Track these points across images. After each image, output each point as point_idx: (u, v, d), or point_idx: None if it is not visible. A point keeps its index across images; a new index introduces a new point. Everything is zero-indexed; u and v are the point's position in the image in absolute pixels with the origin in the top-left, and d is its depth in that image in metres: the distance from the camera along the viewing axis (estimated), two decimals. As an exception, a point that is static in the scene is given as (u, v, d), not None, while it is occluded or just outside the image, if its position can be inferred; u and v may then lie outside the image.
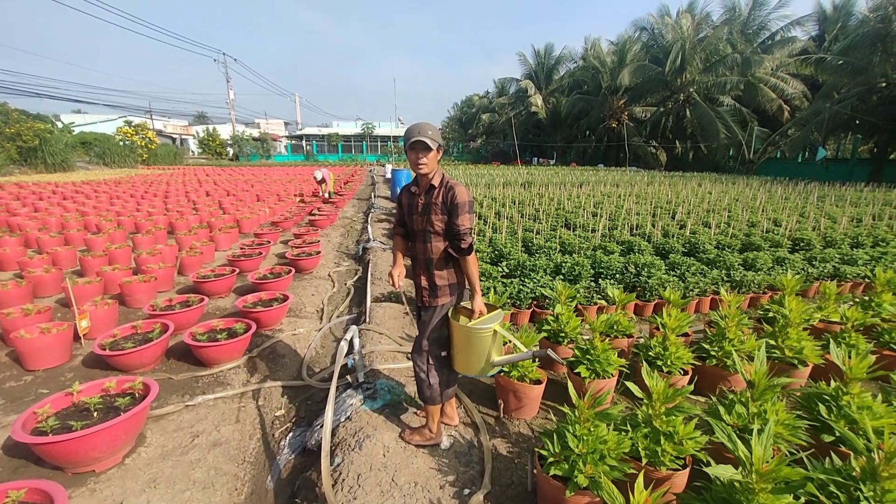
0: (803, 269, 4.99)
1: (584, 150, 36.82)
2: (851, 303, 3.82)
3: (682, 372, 2.83)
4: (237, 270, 5.16)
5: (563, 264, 4.55)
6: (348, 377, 3.08)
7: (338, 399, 2.86)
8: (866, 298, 3.70)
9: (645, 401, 2.02)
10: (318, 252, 6.28)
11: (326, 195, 13.20)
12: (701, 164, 28.34)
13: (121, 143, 32.81)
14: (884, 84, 17.25)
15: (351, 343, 2.86)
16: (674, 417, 1.94)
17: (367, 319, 4.23)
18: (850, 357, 2.25)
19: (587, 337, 3.22)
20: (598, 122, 33.83)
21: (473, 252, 2.22)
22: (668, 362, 2.80)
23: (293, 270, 5.18)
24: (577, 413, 1.91)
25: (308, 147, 52.38)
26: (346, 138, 53.57)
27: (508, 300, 4.02)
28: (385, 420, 2.64)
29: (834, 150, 26.49)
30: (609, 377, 2.70)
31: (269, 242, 6.81)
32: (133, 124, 35.52)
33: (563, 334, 3.19)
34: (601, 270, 4.65)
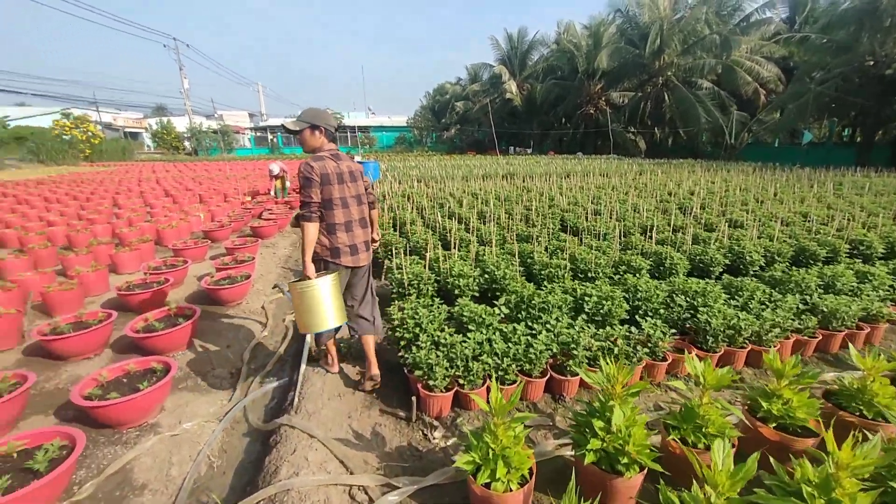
0: (891, 286, 3.78)
1: (561, 138, 35.75)
2: None
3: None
4: (112, 316, 3.54)
5: (586, 299, 3.16)
6: None
7: None
8: None
9: None
10: (248, 277, 4.70)
11: (273, 193, 11.44)
12: (680, 150, 27.68)
13: (58, 138, 29.60)
14: (871, 63, 16.63)
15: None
16: None
17: (296, 399, 2.73)
18: None
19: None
20: (574, 109, 32.74)
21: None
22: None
23: (196, 314, 3.60)
24: None
25: (273, 139, 49.47)
26: (314, 129, 50.79)
27: (512, 362, 2.61)
28: None
29: (815, 134, 26.24)
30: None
31: (186, 263, 5.16)
32: (72, 116, 32.12)
33: (624, 457, 1.79)
34: (638, 304, 3.29)
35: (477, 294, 3.81)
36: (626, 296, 3.34)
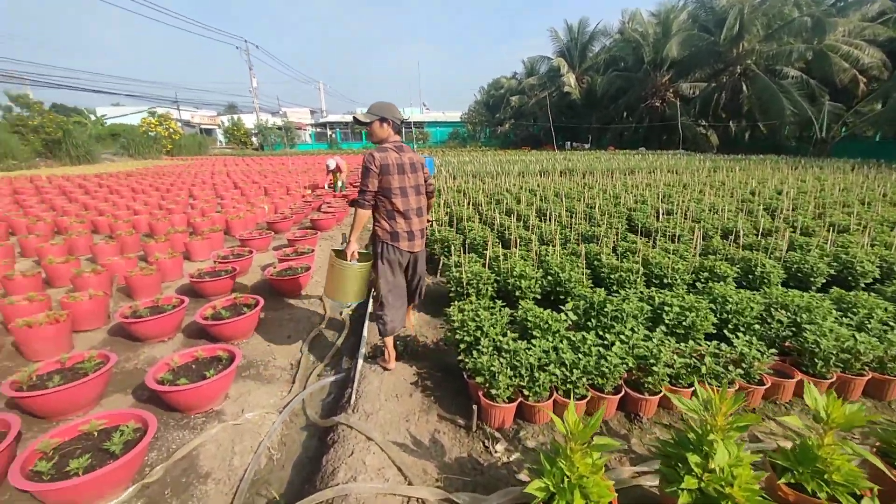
0: None
1: (622, 133, 33.93)
2: None
3: None
4: (185, 302, 3.71)
5: (666, 309, 2.84)
6: None
7: None
8: None
9: None
10: (308, 269, 4.78)
11: (331, 187, 11.80)
12: (758, 145, 25.24)
13: (145, 134, 32.64)
14: None
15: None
16: None
17: (353, 397, 2.68)
18: None
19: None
20: (638, 102, 30.92)
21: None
22: None
23: (259, 304, 3.68)
24: None
25: (332, 134, 51.38)
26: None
27: (582, 375, 2.38)
28: None
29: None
30: None
31: (251, 253, 5.36)
32: (157, 115, 35.26)
33: (726, 501, 1.53)
34: (727, 317, 2.91)
35: (539, 296, 3.59)
36: (713, 307, 2.97)
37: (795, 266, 3.85)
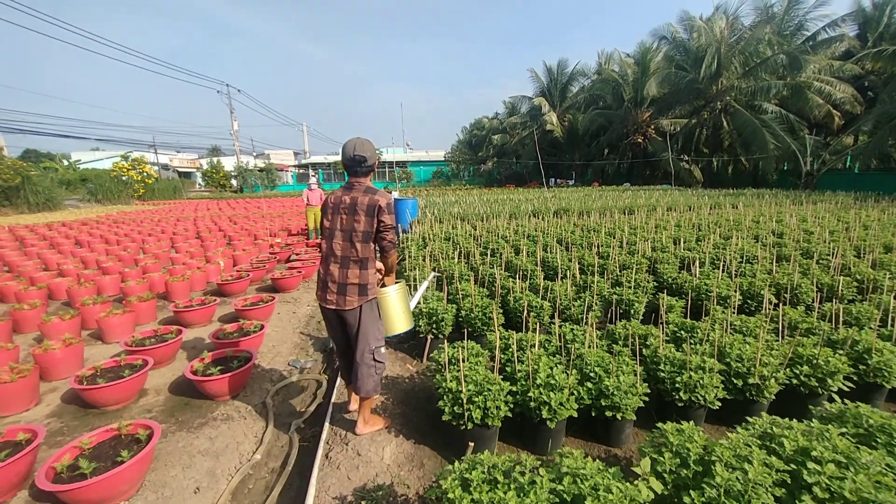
0: None
1: (604, 168, 34.07)
2: None
3: None
4: (37, 437, 2.41)
5: (812, 467, 1.69)
6: None
7: None
8: None
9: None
10: (248, 360, 3.52)
11: (304, 232, 10.63)
12: (741, 179, 25.31)
13: (115, 179, 31.28)
14: None
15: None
16: None
17: None
18: None
19: None
20: (619, 138, 31.17)
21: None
22: None
23: (153, 436, 2.40)
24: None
25: (314, 176, 50.82)
26: (353, 165, 51.85)
27: None
28: None
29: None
30: None
31: (179, 333, 4.08)
32: (130, 158, 34.07)
33: None
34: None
35: (575, 414, 2.41)
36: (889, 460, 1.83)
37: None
